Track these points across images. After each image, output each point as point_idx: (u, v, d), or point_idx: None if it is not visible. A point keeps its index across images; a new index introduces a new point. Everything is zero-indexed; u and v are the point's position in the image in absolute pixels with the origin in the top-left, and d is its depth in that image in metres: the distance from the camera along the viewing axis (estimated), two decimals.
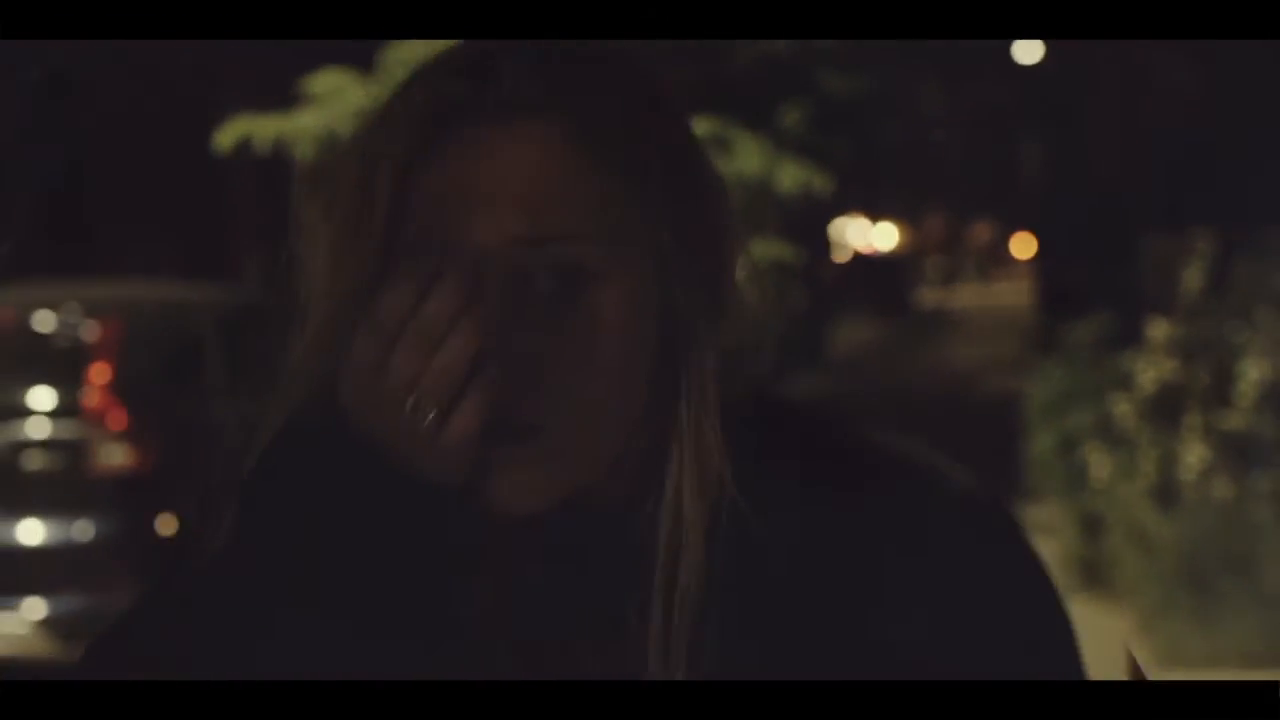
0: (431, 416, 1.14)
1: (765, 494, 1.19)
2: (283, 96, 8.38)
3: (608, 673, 1.19)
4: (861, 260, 34.40)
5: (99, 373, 7.07)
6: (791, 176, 8.48)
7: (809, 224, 11.13)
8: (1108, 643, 8.24)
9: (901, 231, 40.86)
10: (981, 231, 48.33)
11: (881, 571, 1.19)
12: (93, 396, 7.02)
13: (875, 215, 36.51)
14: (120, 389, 7.02)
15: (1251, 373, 8.22)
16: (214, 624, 1.17)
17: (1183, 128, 12.23)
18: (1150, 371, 8.83)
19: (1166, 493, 8.30)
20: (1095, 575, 8.87)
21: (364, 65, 8.02)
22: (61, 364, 7.19)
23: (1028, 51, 17.88)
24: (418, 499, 1.16)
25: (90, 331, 7.24)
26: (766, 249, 8.15)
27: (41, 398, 7.20)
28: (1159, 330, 9.01)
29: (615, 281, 1.18)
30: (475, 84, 1.18)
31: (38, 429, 7.13)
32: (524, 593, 1.21)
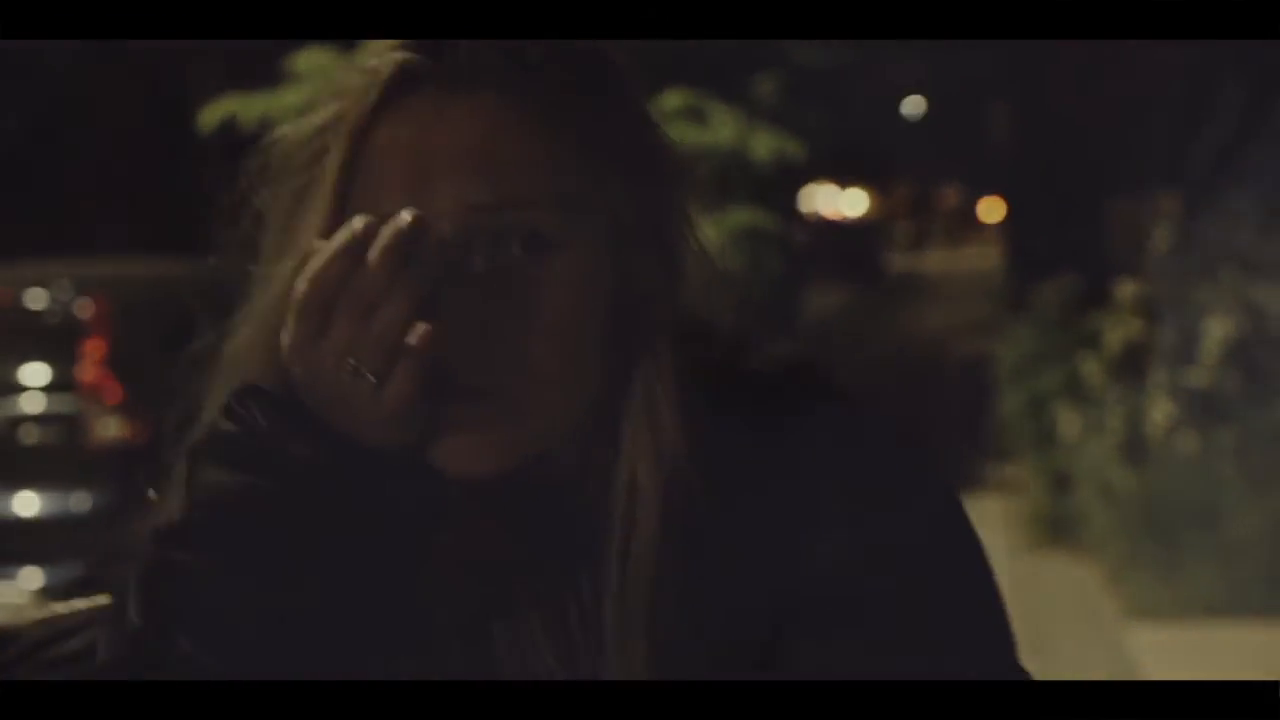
0: (371, 380, 1.14)
1: (718, 457, 1.19)
2: (266, 74, 8.49)
3: (560, 639, 1.19)
4: (831, 226, 34.50)
5: (93, 348, 7.20)
6: (765, 145, 8.63)
7: (780, 191, 11.28)
8: (1077, 594, 8.40)
9: (870, 197, 40.95)
10: (950, 196, 48.45)
11: (815, 512, 1.19)
12: (87, 371, 7.16)
13: (844, 181, 36.59)
14: (114, 363, 7.15)
15: (1215, 331, 8.40)
16: (168, 593, 1.16)
17: (1147, 94, 12.40)
18: (1118, 331, 9.01)
19: (1133, 449, 8.48)
20: (1065, 530, 9.05)
21: (347, 42, 8.11)
22: (56, 340, 7.31)
23: None
24: (366, 464, 1.16)
25: (83, 308, 7.37)
26: (741, 217, 8.31)
27: (37, 373, 7.34)
28: (1126, 291, 9.18)
29: (570, 249, 1.18)
30: (429, 53, 1.19)
31: (34, 404, 7.27)
32: (476, 557, 1.21)
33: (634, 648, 1.18)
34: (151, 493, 1.22)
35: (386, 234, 1.14)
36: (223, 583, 1.15)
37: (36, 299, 7.52)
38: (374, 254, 1.14)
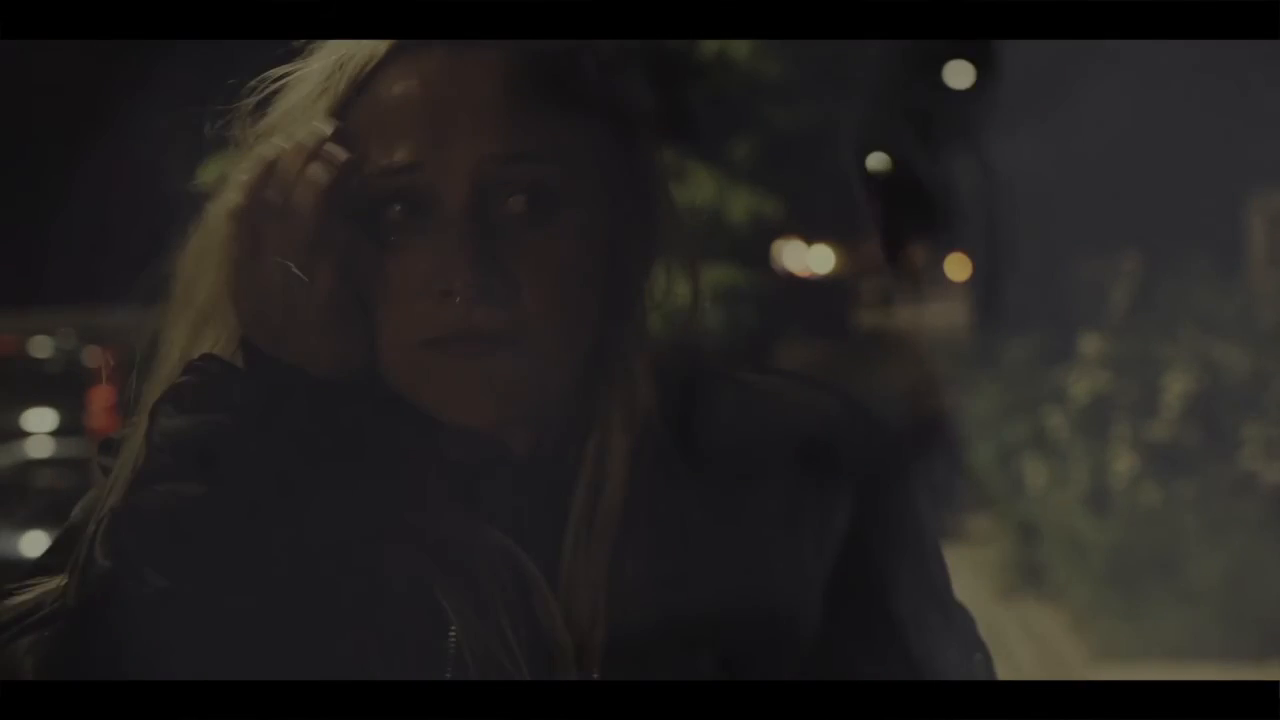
0: (301, 278, 1.15)
1: (688, 426, 1.21)
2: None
3: (518, 600, 1.18)
4: (798, 283, 34.71)
5: (101, 395, 7.42)
6: (742, 204, 8.88)
7: (755, 249, 11.56)
8: (1044, 640, 8.60)
9: (837, 254, 41.17)
10: (917, 254, 48.63)
11: (788, 488, 1.21)
12: (96, 417, 7.38)
13: (811, 238, 36.82)
14: (122, 409, 7.34)
15: (1175, 386, 8.65)
16: (136, 533, 1.15)
17: (1109, 153, 12.67)
18: (1083, 383, 9.24)
19: (1098, 499, 8.71)
20: (1031, 578, 9.25)
21: None
22: (63, 387, 7.53)
23: (959, 76, 18.34)
24: (324, 398, 1.16)
25: (90, 356, 7.60)
26: (720, 275, 8.56)
27: (45, 419, 7.56)
28: (1091, 345, 9.43)
29: (574, 206, 1.19)
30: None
31: (42, 448, 7.50)
32: (450, 505, 1.20)
33: (586, 612, 1.17)
34: (104, 459, 1.23)
35: (304, 143, 1.16)
36: (189, 517, 1.14)
37: (42, 347, 7.74)
38: (292, 159, 1.16)
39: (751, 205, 8.98)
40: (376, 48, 1.20)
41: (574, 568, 1.19)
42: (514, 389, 1.18)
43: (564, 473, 1.22)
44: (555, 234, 1.19)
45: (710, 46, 8.89)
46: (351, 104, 1.20)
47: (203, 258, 1.20)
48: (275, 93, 1.23)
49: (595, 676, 1.17)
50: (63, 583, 1.20)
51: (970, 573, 9.40)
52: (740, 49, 9.00)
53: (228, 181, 1.19)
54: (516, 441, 1.22)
